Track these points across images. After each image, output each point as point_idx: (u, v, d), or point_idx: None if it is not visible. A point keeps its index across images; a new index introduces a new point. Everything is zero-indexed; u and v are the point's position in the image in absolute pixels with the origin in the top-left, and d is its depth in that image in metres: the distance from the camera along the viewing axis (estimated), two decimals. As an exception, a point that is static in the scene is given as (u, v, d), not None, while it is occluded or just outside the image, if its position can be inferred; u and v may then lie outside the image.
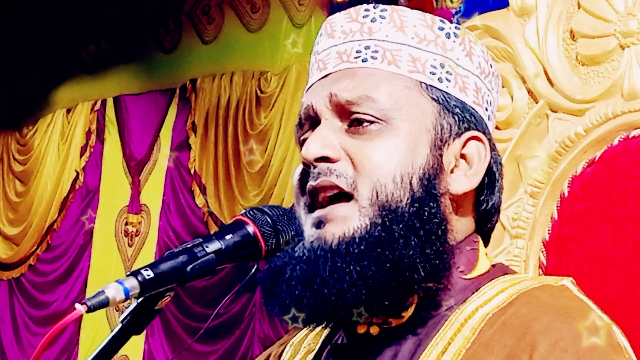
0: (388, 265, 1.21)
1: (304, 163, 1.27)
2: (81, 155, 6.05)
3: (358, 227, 1.23)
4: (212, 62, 5.35)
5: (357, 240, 1.22)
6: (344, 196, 1.25)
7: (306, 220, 1.27)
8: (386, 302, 1.22)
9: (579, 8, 2.58)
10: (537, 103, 2.65)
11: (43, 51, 6.39)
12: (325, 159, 1.26)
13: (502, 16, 2.74)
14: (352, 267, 1.21)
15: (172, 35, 5.58)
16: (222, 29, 5.34)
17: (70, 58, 6.18)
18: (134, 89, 5.82)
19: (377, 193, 1.23)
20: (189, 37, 5.49)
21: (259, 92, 5.03)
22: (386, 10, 1.32)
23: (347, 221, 1.23)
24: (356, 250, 1.22)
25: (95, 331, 5.54)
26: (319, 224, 1.25)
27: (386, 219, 1.23)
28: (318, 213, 1.26)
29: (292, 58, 4.92)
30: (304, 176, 1.28)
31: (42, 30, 6.29)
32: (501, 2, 2.79)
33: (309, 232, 1.26)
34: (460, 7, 3.64)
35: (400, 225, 1.22)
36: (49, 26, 6.22)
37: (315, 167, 1.26)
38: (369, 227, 1.23)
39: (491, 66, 1.37)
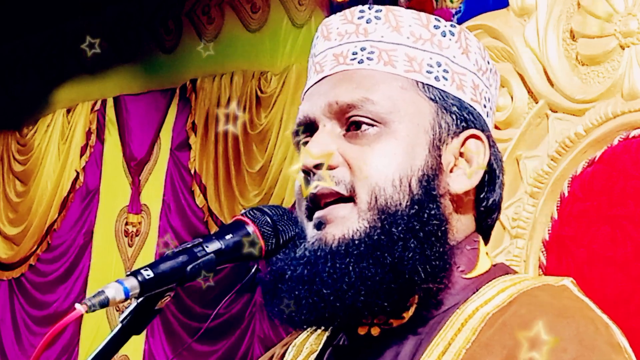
0: (387, 267, 1.21)
1: (303, 170, 1.27)
2: (81, 155, 6.05)
3: (357, 229, 1.23)
4: (212, 62, 5.35)
5: (356, 242, 1.22)
6: (344, 200, 1.25)
7: (307, 224, 1.27)
8: (386, 304, 1.22)
9: (579, 8, 2.58)
10: (537, 103, 2.65)
11: (43, 51, 6.39)
12: (324, 166, 1.26)
13: (502, 16, 2.74)
14: (351, 268, 1.21)
15: (172, 35, 5.58)
16: (222, 29, 5.34)
17: (70, 58, 6.18)
18: (134, 89, 5.82)
19: (375, 197, 1.23)
20: (189, 37, 5.48)
21: (259, 92, 5.03)
22: (381, 10, 1.32)
23: (346, 222, 1.24)
24: (355, 252, 1.22)
25: (95, 331, 5.54)
26: (319, 225, 1.25)
27: (385, 222, 1.23)
28: (318, 214, 1.26)
29: (292, 58, 4.92)
30: (305, 182, 1.28)
31: (42, 30, 6.29)
32: (501, 2, 2.79)
33: (310, 234, 1.26)
34: (460, 7, 3.64)
35: (399, 228, 1.22)
36: (49, 26, 6.21)
37: (314, 173, 1.26)
38: (368, 230, 1.23)
39: (488, 62, 1.37)
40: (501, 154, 1.36)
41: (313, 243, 1.25)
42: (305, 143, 1.30)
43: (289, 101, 4.84)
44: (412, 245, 1.22)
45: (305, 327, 1.27)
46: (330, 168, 1.26)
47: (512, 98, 2.68)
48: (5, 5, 5.88)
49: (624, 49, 2.50)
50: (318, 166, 1.26)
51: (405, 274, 1.22)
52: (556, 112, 2.62)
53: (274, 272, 1.26)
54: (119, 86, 5.91)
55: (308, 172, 1.27)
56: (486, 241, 1.35)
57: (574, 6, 2.62)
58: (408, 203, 1.24)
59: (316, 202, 1.26)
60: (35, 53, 6.45)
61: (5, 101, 6.60)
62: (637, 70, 2.46)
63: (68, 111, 6.19)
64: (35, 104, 6.37)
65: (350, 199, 1.25)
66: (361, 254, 1.22)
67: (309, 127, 1.31)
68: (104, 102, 5.99)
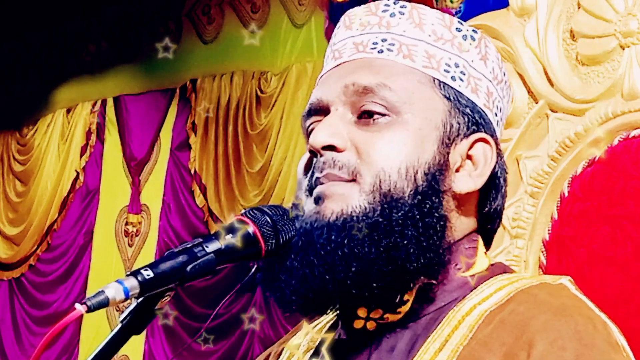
0: (382, 249, 1.22)
1: (310, 150, 1.28)
2: (81, 155, 6.06)
3: (357, 207, 1.24)
4: (212, 62, 5.35)
5: (354, 218, 1.23)
6: (345, 182, 1.26)
7: (307, 201, 1.28)
8: (374, 286, 1.22)
9: (579, 8, 2.58)
10: (537, 103, 2.65)
11: (43, 51, 6.39)
12: (331, 148, 1.26)
13: (502, 16, 2.74)
14: (346, 241, 1.22)
15: (172, 35, 5.58)
16: (222, 29, 5.34)
17: (70, 58, 6.18)
18: (134, 89, 5.82)
19: (380, 181, 1.24)
20: (189, 37, 5.49)
21: (259, 92, 5.04)
22: (406, 7, 1.34)
23: (346, 199, 1.24)
24: (353, 228, 1.22)
25: (95, 331, 5.54)
26: (318, 199, 1.26)
27: (386, 206, 1.23)
28: (318, 189, 1.26)
29: (292, 58, 4.92)
30: (310, 163, 1.29)
31: (42, 30, 6.30)
32: (501, 2, 2.79)
33: (309, 208, 1.27)
34: (460, 7, 3.64)
35: (400, 214, 1.23)
36: (49, 26, 6.22)
37: (321, 155, 1.27)
38: (367, 210, 1.23)
39: (504, 74, 1.39)
40: (506, 166, 1.37)
41: (310, 216, 1.25)
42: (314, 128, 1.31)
43: (289, 101, 4.85)
44: (409, 233, 1.23)
45: (295, 304, 1.26)
46: (338, 151, 1.26)
47: (512, 98, 2.68)
48: (5, 5, 5.88)
49: (624, 49, 2.50)
50: (326, 147, 1.26)
51: (398, 260, 1.22)
52: (556, 112, 2.62)
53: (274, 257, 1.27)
54: (119, 86, 5.91)
55: (315, 153, 1.27)
56: (487, 246, 1.36)
57: (574, 6, 2.62)
58: (411, 192, 1.24)
59: (318, 183, 1.27)
60: (35, 53, 6.45)
61: (5, 101, 6.61)
62: (637, 70, 2.46)
63: (68, 111, 6.19)
64: (35, 104, 6.38)
65: (351, 181, 1.26)
66: (358, 230, 1.22)
67: (321, 111, 1.31)
68: (104, 102, 5.99)
